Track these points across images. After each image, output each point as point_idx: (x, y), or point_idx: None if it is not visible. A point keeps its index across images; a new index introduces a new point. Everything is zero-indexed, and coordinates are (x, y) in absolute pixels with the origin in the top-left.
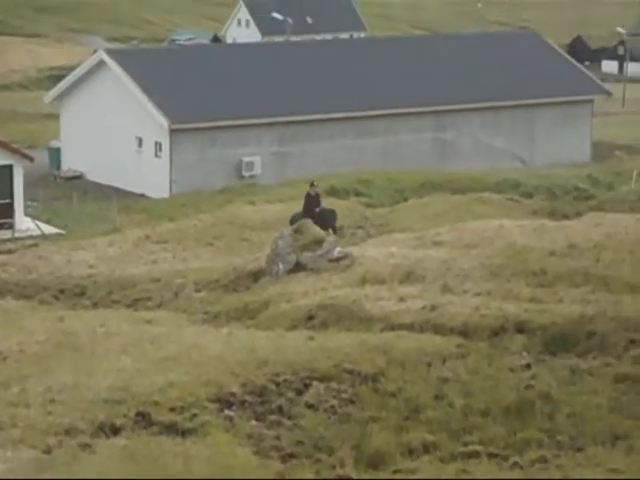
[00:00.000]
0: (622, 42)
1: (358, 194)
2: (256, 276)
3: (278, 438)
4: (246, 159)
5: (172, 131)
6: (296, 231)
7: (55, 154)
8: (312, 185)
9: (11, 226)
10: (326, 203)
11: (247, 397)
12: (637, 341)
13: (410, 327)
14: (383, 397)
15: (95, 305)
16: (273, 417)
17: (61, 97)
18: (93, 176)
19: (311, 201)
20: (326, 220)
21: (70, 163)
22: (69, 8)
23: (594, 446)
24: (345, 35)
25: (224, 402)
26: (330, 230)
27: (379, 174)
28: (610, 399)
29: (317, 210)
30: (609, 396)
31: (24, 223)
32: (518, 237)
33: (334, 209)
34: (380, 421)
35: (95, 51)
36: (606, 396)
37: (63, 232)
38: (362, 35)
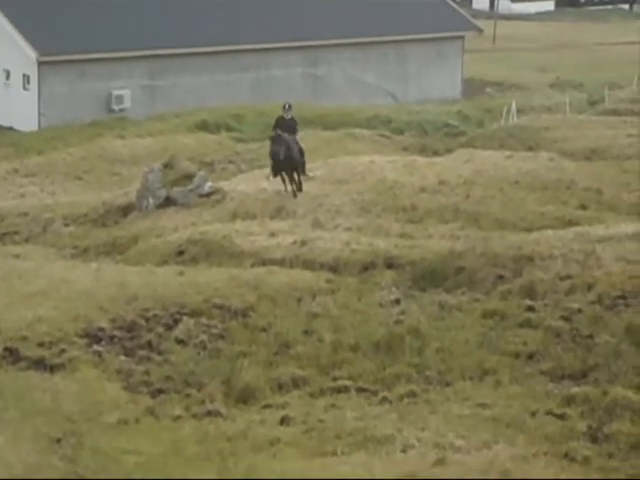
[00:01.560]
0: None
1: (229, 129)
2: (126, 211)
3: (147, 373)
4: (116, 92)
5: (40, 63)
6: (166, 166)
7: None
8: (285, 108)
9: None
10: (197, 138)
11: (116, 332)
12: (505, 277)
13: (281, 262)
14: (253, 332)
15: None
16: (142, 352)
17: None
18: None
19: (282, 126)
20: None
21: None
22: None
23: (462, 381)
24: None
25: (93, 337)
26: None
27: (250, 109)
28: (478, 334)
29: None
30: (477, 331)
31: None
32: (389, 173)
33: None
34: (250, 356)
35: None
36: (474, 331)
37: None
38: None
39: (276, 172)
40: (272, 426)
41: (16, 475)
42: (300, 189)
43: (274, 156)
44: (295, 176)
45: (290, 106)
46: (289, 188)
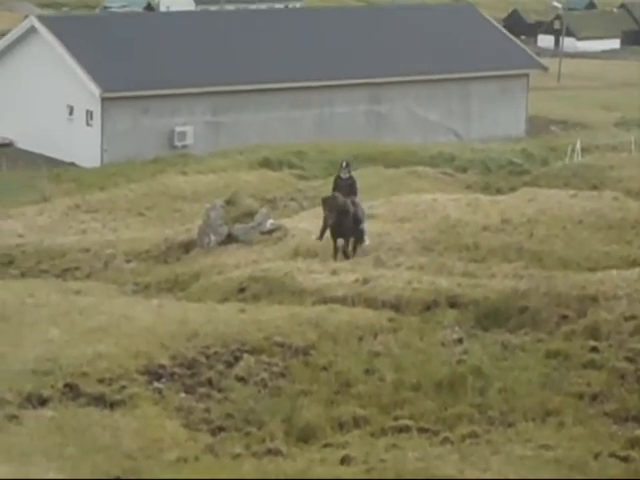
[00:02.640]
0: (558, 17)
1: (291, 166)
2: (187, 247)
3: (207, 411)
4: (178, 129)
5: (104, 99)
6: (228, 202)
7: None
8: (342, 166)
9: None
10: (259, 175)
11: (177, 369)
12: (568, 317)
13: (342, 300)
14: (314, 370)
15: (24, 275)
16: (203, 390)
17: None
18: (23, 144)
19: (340, 187)
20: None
21: (0, 131)
22: None
23: (525, 422)
24: (280, 5)
25: (153, 374)
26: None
27: (313, 146)
28: (541, 375)
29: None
30: (540, 372)
31: None
32: (452, 211)
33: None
34: (311, 394)
35: (26, 17)
36: (537, 372)
37: None
38: (298, 5)
39: (322, 235)
40: (333, 465)
41: None
42: (347, 257)
43: (324, 220)
44: (346, 244)
45: (348, 164)
46: (338, 255)
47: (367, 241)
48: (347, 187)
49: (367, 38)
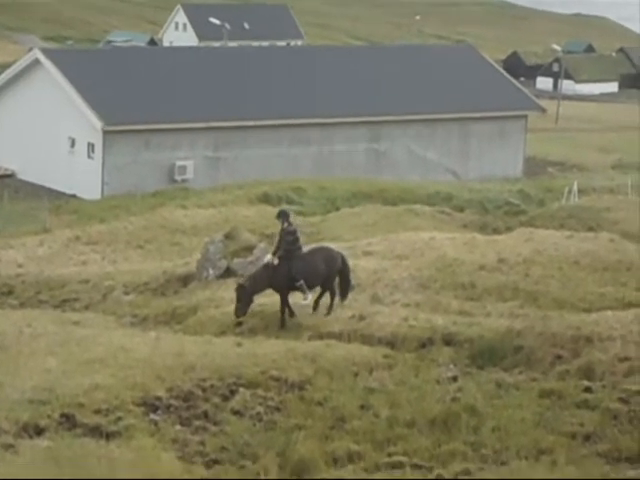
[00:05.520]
0: (557, 59)
1: (290, 202)
2: (186, 281)
3: (203, 444)
4: (179, 163)
5: (105, 132)
6: (227, 237)
7: None
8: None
9: None
10: (258, 210)
11: (173, 401)
12: (563, 357)
13: (338, 336)
14: (309, 405)
15: (22, 305)
16: (198, 422)
17: None
18: (25, 175)
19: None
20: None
21: (1, 161)
22: (5, 6)
23: (518, 460)
24: (282, 43)
25: (149, 406)
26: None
27: (312, 182)
28: (535, 414)
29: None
30: (534, 411)
31: None
32: (448, 250)
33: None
34: (305, 429)
35: (30, 50)
36: (531, 410)
37: None
38: (299, 43)
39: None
40: None
41: None
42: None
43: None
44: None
45: (280, 215)
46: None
47: (308, 297)
48: (289, 236)
49: (367, 77)
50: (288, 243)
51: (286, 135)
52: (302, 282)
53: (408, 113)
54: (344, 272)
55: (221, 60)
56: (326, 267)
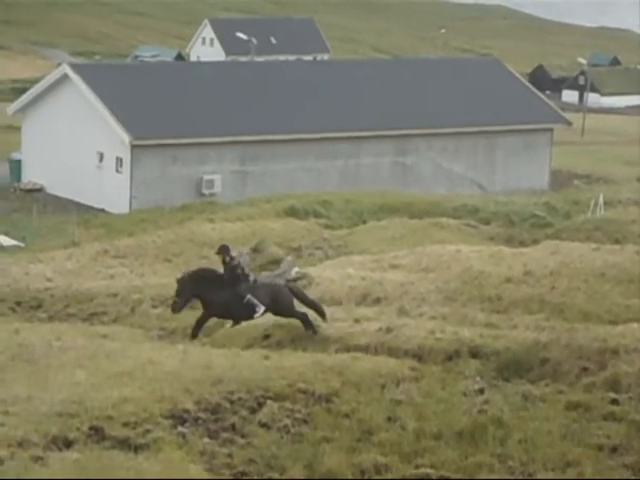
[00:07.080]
0: (583, 72)
1: (317, 215)
2: None
3: (230, 456)
4: (206, 177)
5: (133, 147)
6: (254, 250)
7: (16, 166)
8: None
9: None
10: (285, 223)
11: (201, 414)
12: (589, 369)
13: (365, 349)
14: (336, 418)
15: (51, 318)
16: (226, 435)
17: (24, 109)
18: (53, 189)
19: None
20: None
21: (30, 176)
22: (34, 21)
23: (545, 472)
24: (308, 57)
25: (178, 418)
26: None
27: (338, 196)
28: (561, 426)
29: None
30: (560, 423)
31: None
32: (475, 262)
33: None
34: (333, 442)
35: (59, 65)
36: (557, 423)
37: (22, 245)
38: (325, 57)
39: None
40: None
41: None
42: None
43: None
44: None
45: (221, 250)
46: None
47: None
48: (230, 272)
49: (393, 90)
50: (239, 276)
51: (313, 149)
52: (249, 297)
53: (434, 126)
54: (301, 299)
55: (248, 74)
56: (271, 301)
